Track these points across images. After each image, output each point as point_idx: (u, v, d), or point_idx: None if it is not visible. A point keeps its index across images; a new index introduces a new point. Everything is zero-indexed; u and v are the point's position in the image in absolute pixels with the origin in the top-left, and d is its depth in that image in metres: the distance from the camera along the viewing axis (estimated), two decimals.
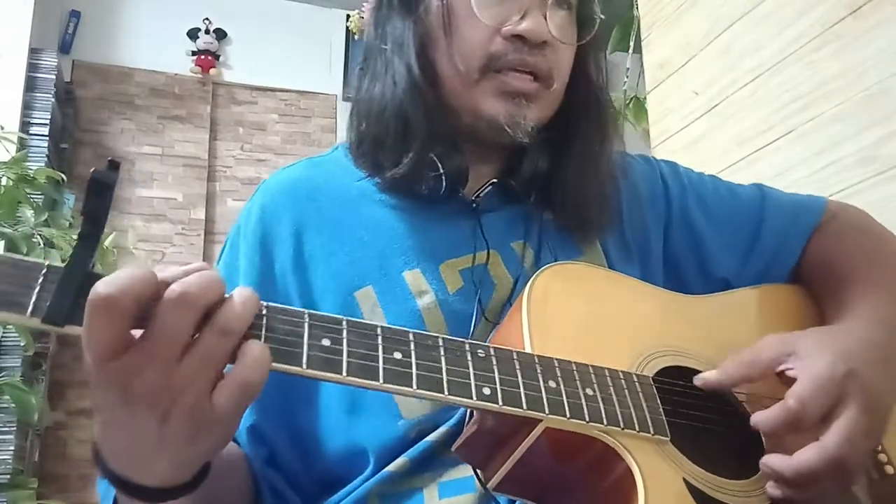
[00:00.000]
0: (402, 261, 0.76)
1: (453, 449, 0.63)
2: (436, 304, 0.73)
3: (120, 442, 0.51)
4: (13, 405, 2.59)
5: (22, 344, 2.69)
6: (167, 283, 0.47)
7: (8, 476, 2.70)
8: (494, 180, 0.80)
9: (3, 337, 2.78)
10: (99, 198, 0.47)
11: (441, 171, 0.76)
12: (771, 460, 0.61)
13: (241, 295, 0.49)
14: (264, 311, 0.50)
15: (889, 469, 0.68)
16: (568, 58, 0.80)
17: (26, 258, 0.48)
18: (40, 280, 0.46)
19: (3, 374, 2.68)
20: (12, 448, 2.75)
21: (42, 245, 2.36)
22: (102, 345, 0.46)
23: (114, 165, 0.47)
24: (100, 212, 0.47)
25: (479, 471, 0.63)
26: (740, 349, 0.67)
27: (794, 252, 0.88)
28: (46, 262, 0.48)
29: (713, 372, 0.66)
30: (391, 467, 0.69)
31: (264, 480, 0.71)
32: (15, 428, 2.77)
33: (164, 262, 3.63)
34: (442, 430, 0.69)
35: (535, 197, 0.81)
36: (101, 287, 0.45)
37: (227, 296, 0.49)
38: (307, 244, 0.78)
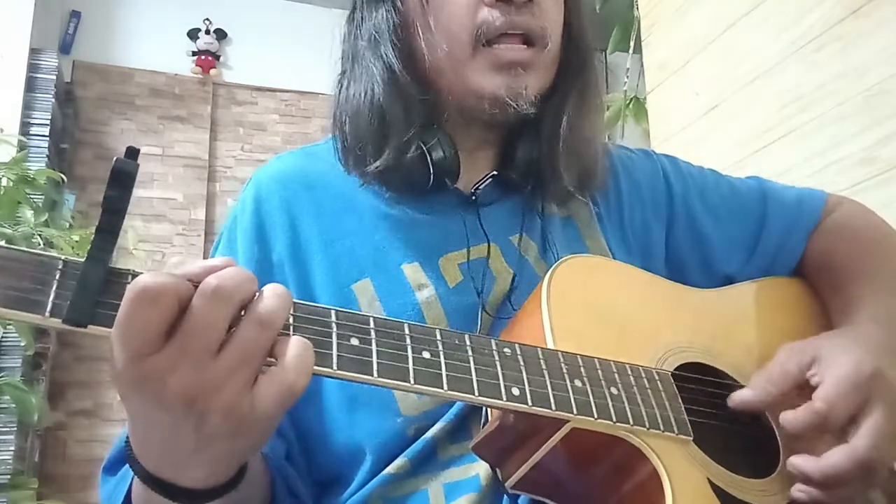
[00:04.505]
0: (400, 254, 0.75)
1: (470, 447, 0.63)
2: (435, 297, 0.73)
3: (155, 444, 0.49)
4: (13, 405, 2.59)
5: (22, 344, 2.69)
6: (198, 280, 0.45)
7: (8, 476, 2.70)
8: (495, 173, 0.79)
9: (3, 337, 2.78)
10: (120, 188, 0.44)
11: (428, 161, 0.75)
12: (799, 462, 0.60)
13: (275, 289, 0.47)
14: (291, 309, 0.49)
15: None
16: (557, 14, 0.78)
17: (40, 252, 0.45)
18: (57, 276, 0.44)
19: (3, 374, 2.68)
20: (12, 448, 2.75)
21: (42, 245, 2.36)
22: (139, 341, 0.43)
23: (133, 153, 0.44)
24: (120, 203, 0.44)
25: (496, 469, 0.63)
26: (765, 366, 0.67)
27: (798, 247, 0.88)
28: (63, 257, 0.45)
29: (747, 393, 0.65)
30: (391, 469, 0.69)
31: (281, 479, 0.70)
32: (15, 428, 2.77)
33: (164, 262, 3.63)
34: (438, 425, 0.69)
35: (532, 185, 0.80)
36: (145, 279, 0.43)
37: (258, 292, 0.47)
38: (303, 233, 0.77)
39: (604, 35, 3.19)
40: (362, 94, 0.76)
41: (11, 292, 0.43)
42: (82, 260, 0.44)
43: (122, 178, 0.44)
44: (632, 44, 2.86)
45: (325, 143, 0.87)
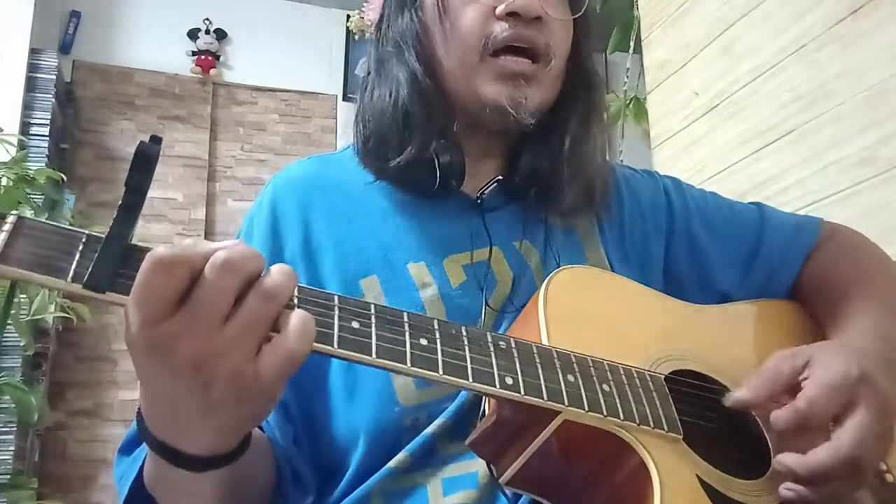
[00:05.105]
0: (407, 253, 0.78)
1: (467, 443, 0.64)
2: (438, 296, 0.75)
3: (164, 410, 0.52)
4: (13, 405, 2.59)
5: (22, 344, 2.69)
6: (210, 256, 0.48)
7: (8, 476, 2.70)
8: (500, 177, 0.82)
9: (3, 337, 2.78)
10: (142, 170, 0.48)
11: (436, 164, 0.78)
12: (785, 459, 0.61)
13: (281, 268, 0.50)
14: (296, 292, 0.51)
15: (889, 477, 0.69)
16: (564, 35, 0.82)
17: (65, 226, 0.48)
18: (80, 247, 0.47)
19: (3, 374, 2.68)
20: (12, 448, 2.76)
21: None
22: (154, 306, 0.47)
23: (156, 139, 0.48)
24: (142, 184, 0.48)
25: (491, 465, 0.63)
26: (759, 368, 0.68)
27: (793, 269, 0.90)
28: (86, 231, 0.48)
29: (741, 392, 0.66)
30: (392, 463, 0.70)
31: (287, 464, 0.72)
32: (15, 428, 2.78)
33: None
34: (439, 421, 0.70)
35: (535, 193, 0.83)
36: (162, 249, 0.46)
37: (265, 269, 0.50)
38: (315, 232, 0.80)
39: (604, 35, 3.19)
40: (387, 96, 0.80)
41: (37, 259, 0.47)
42: (104, 235, 0.48)
43: (145, 161, 0.48)
44: (632, 44, 2.85)
45: (341, 153, 0.91)
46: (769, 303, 0.87)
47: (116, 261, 0.47)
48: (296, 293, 0.51)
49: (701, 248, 0.89)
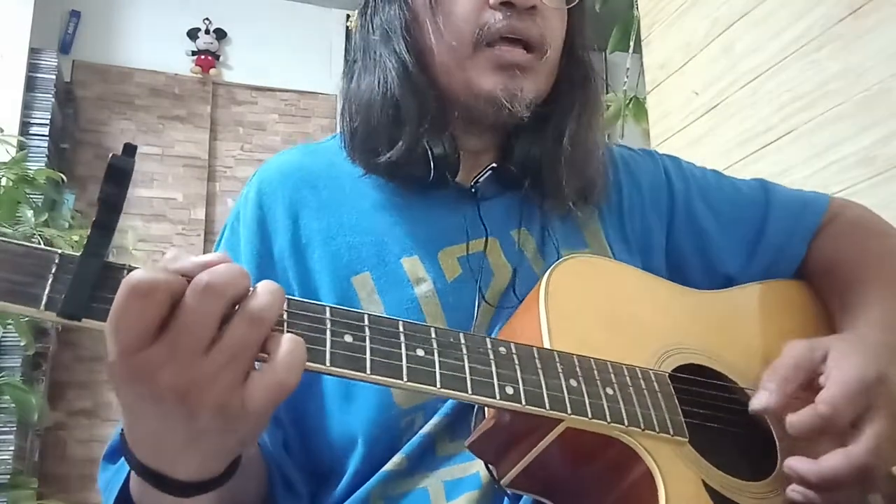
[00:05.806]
0: (400, 248, 0.76)
1: (466, 444, 0.63)
2: (433, 291, 0.73)
3: (148, 435, 0.50)
4: (13, 405, 2.59)
5: (22, 344, 2.69)
6: (192, 275, 0.45)
7: (8, 476, 2.70)
8: (494, 165, 0.80)
9: (3, 337, 2.78)
10: (116, 184, 0.44)
11: (430, 156, 0.75)
12: (796, 464, 0.60)
13: (267, 286, 0.47)
14: (285, 306, 0.49)
15: None
16: (558, 25, 0.79)
17: (37, 246, 0.45)
18: (53, 270, 0.44)
19: (3, 374, 2.68)
20: (12, 448, 2.75)
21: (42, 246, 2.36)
22: (131, 335, 0.44)
23: (130, 150, 0.45)
24: (117, 199, 0.45)
25: (491, 467, 0.63)
26: (772, 364, 0.66)
27: (800, 249, 0.87)
28: (59, 251, 0.45)
29: (762, 396, 0.63)
30: (389, 466, 0.69)
31: (277, 469, 0.70)
32: (15, 428, 2.77)
33: None
34: (435, 420, 0.69)
35: (531, 181, 0.80)
36: (139, 274, 0.43)
37: (251, 288, 0.47)
38: (304, 228, 0.77)
39: (604, 35, 3.19)
40: (375, 85, 0.77)
41: (7, 285, 0.43)
42: (78, 254, 0.45)
43: (118, 175, 0.44)
44: (632, 44, 2.86)
45: (326, 142, 0.88)
46: (776, 284, 0.85)
47: (92, 284, 0.44)
48: (285, 307, 0.48)
49: (703, 229, 0.87)
